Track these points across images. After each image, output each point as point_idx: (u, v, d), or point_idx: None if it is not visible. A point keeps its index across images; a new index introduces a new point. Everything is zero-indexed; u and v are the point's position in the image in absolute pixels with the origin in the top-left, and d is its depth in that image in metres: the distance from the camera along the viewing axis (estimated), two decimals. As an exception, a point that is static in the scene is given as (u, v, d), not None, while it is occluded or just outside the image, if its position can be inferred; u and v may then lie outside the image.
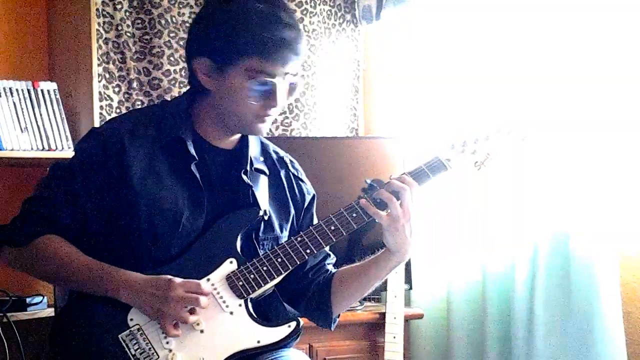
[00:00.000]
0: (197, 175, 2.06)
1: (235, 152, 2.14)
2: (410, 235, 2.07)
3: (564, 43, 3.12)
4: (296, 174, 2.25)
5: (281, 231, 2.17)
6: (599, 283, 2.97)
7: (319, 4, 3.83)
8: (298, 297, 2.21)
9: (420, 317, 3.45)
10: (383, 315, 3.19)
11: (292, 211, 2.21)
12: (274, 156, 2.24)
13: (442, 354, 3.52)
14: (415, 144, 3.55)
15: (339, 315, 2.25)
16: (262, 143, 2.23)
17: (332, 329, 2.25)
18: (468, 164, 2.13)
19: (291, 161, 2.27)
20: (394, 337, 3.15)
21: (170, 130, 2.08)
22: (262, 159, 2.19)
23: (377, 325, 3.26)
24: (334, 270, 2.24)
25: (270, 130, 3.73)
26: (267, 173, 2.18)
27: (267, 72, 2.00)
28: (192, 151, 2.07)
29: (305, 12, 3.79)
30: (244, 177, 2.11)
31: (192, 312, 1.96)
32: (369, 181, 3.03)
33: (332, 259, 2.27)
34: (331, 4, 3.88)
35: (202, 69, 2.05)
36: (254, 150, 2.17)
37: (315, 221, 2.23)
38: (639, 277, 3.03)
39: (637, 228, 2.99)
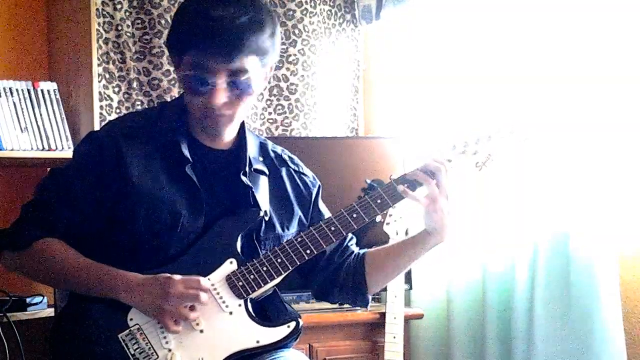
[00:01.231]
0: (193, 177, 2.06)
1: (232, 153, 2.15)
2: (448, 215, 2.08)
3: (564, 43, 3.11)
4: (297, 169, 2.26)
5: (283, 230, 2.17)
6: (599, 283, 2.97)
7: (319, 4, 3.84)
8: (330, 283, 2.24)
9: (420, 317, 3.45)
10: (383, 315, 3.19)
11: (297, 209, 2.22)
12: (273, 154, 2.24)
13: (442, 354, 3.52)
14: (415, 144, 3.56)
15: (372, 294, 2.28)
16: (260, 142, 2.23)
17: (368, 308, 2.31)
18: (469, 165, 2.13)
19: (290, 157, 2.27)
20: (394, 337, 3.15)
21: (166, 133, 2.09)
22: (261, 158, 2.19)
23: (377, 325, 3.26)
24: (362, 252, 2.26)
25: (270, 130, 3.74)
26: (267, 173, 2.18)
27: (207, 67, 1.98)
28: (186, 153, 2.07)
29: (305, 12, 3.79)
30: (243, 178, 2.11)
31: (192, 309, 1.97)
32: (369, 181, 3.04)
33: (354, 239, 2.28)
34: (331, 4, 3.88)
35: (173, 62, 2.10)
36: (252, 150, 2.17)
37: (325, 211, 2.25)
38: (639, 277, 3.02)
39: (636, 228, 2.99)
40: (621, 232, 3.00)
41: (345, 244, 2.25)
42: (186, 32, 1.98)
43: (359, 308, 3.30)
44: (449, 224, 2.10)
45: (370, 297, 2.27)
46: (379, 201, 2.09)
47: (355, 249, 2.26)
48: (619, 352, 2.95)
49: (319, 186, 2.28)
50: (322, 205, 2.28)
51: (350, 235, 2.26)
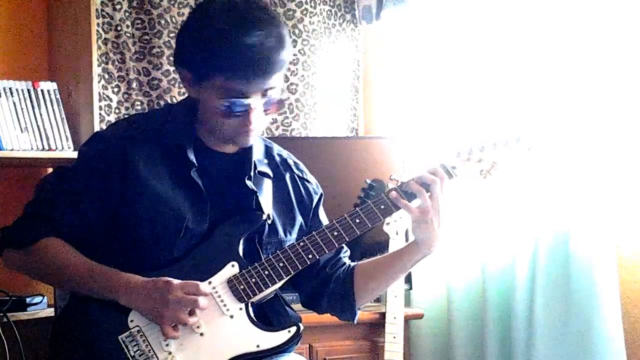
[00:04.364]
0: (199, 182, 2.06)
1: (238, 156, 2.14)
2: (438, 228, 2.07)
3: (564, 42, 3.11)
4: (301, 175, 2.25)
5: (285, 235, 2.17)
6: (599, 283, 2.97)
7: (319, 4, 3.83)
8: (319, 293, 2.22)
9: (420, 317, 3.45)
10: (383, 315, 3.19)
11: (298, 215, 2.21)
12: (278, 159, 2.23)
13: (442, 354, 3.52)
14: (415, 144, 3.56)
15: (360, 307, 2.26)
16: (266, 145, 2.23)
17: (355, 321, 2.27)
18: (474, 173, 2.13)
19: (295, 163, 2.27)
20: (394, 337, 3.15)
21: (171, 137, 2.08)
22: (266, 161, 2.19)
23: (377, 325, 3.26)
24: (353, 264, 2.25)
25: (270, 130, 3.74)
26: (271, 176, 2.18)
27: (238, 90, 1.99)
28: (192, 158, 2.07)
29: (305, 12, 3.79)
30: (248, 182, 2.11)
31: (191, 313, 1.97)
32: (369, 181, 3.03)
33: (347, 252, 2.27)
34: (331, 4, 3.88)
35: (184, 79, 2.07)
36: (258, 153, 2.17)
37: (325, 220, 2.24)
38: (638, 277, 3.03)
39: (636, 228, 2.99)
40: (621, 232, 3.00)
41: (338, 256, 2.25)
42: (217, 56, 1.96)
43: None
44: (439, 237, 2.08)
45: (357, 311, 2.25)
46: (382, 207, 2.08)
47: (348, 261, 2.26)
48: (619, 352, 2.95)
49: (321, 194, 2.27)
50: (322, 214, 2.27)
51: (345, 247, 2.26)
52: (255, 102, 2.00)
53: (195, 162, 2.07)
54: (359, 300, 2.22)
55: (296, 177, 2.24)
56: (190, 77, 2.05)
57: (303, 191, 2.23)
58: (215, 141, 2.12)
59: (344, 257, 2.26)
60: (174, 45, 3.49)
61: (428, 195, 2.06)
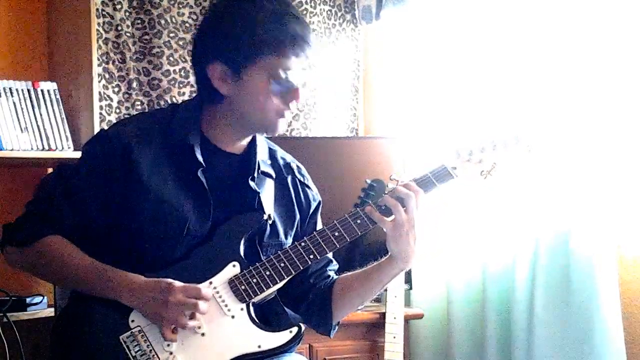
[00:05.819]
0: (204, 182, 2.06)
1: (243, 157, 2.14)
2: (413, 243, 2.07)
3: (564, 42, 3.12)
4: (302, 180, 2.25)
5: (285, 238, 2.17)
6: (599, 282, 2.97)
7: (319, 4, 3.84)
8: (298, 302, 2.22)
9: (420, 317, 3.45)
10: (383, 315, 3.19)
11: (298, 218, 2.21)
12: (281, 162, 2.23)
13: (442, 354, 3.52)
14: (415, 144, 3.56)
15: (339, 322, 2.26)
16: (270, 148, 2.23)
17: (332, 336, 2.26)
18: (474, 173, 2.13)
19: (298, 167, 2.27)
20: (394, 337, 3.15)
21: (178, 136, 2.08)
22: (269, 162, 2.19)
23: (377, 325, 3.26)
24: (335, 277, 2.25)
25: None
26: (274, 176, 2.18)
27: (287, 68, 2.01)
28: (200, 157, 2.06)
29: (305, 12, 3.79)
30: (251, 183, 2.11)
31: (191, 317, 1.97)
32: (369, 181, 3.03)
33: (335, 265, 2.27)
34: (331, 4, 3.88)
35: (217, 75, 2.05)
36: (262, 154, 2.17)
37: (320, 227, 2.23)
38: (639, 277, 3.03)
39: (637, 228, 2.99)
40: (621, 232, 3.00)
41: (325, 268, 2.25)
42: (268, 36, 1.99)
43: (359, 308, 3.31)
44: (414, 252, 2.08)
45: (334, 324, 2.24)
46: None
47: (332, 275, 2.26)
48: (619, 352, 2.95)
49: (319, 202, 2.27)
50: (319, 221, 2.27)
51: (334, 261, 2.27)
52: (303, 80, 2.04)
53: (203, 162, 2.06)
54: (336, 312, 2.22)
55: (297, 181, 2.24)
56: (226, 70, 2.04)
57: (302, 196, 2.24)
58: (230, 139, 2.11)
59: (330, 270, 2.26)
60: (174, 45, 3.57)
61: (403, 209, 2.05)
